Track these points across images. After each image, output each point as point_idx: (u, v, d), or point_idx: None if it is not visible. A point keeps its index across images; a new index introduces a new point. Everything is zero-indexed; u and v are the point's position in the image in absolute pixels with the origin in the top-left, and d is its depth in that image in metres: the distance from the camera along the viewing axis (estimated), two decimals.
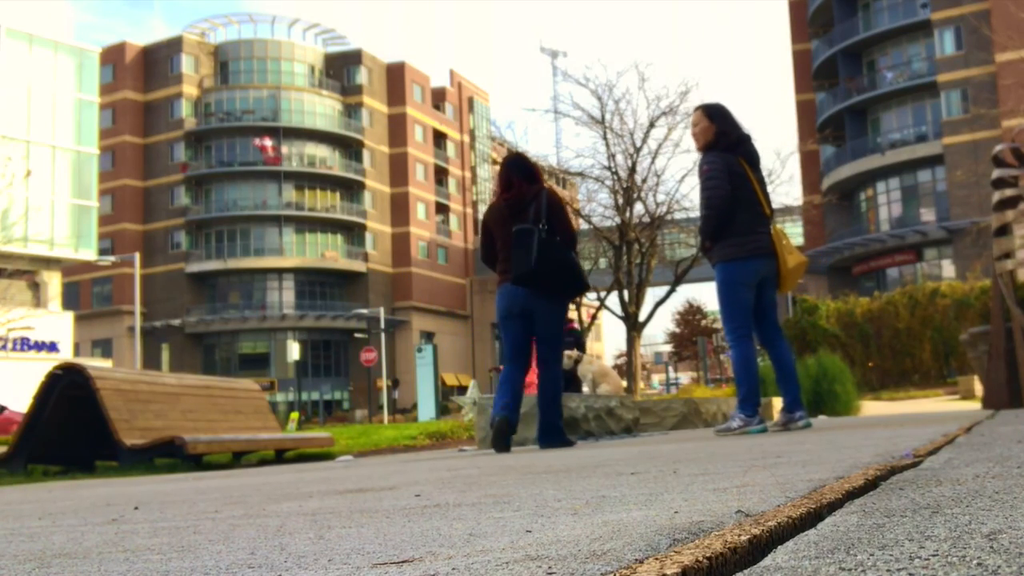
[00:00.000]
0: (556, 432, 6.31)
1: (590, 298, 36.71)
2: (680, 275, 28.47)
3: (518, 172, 6.27)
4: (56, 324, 39.62)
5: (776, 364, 5.95)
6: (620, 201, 28.21)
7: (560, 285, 6.12)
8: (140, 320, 40.10)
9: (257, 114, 67.53)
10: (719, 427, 6.09)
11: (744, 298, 5.81)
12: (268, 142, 66.38)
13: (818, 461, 2.77)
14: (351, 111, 70.07)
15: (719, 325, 62.53)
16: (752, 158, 5.96)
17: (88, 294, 63.41)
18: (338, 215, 67.97)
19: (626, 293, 28.20)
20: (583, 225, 31.69)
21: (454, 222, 77.28)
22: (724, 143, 5.89)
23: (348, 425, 25.99)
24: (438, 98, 76.95)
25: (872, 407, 21.84)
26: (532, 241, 5.91)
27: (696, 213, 29.94)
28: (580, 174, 30.37)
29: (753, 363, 5.84)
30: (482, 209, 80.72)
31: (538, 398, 6.38)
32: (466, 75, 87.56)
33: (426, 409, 28.10)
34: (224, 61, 69.39)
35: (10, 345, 36.84)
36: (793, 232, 62.87)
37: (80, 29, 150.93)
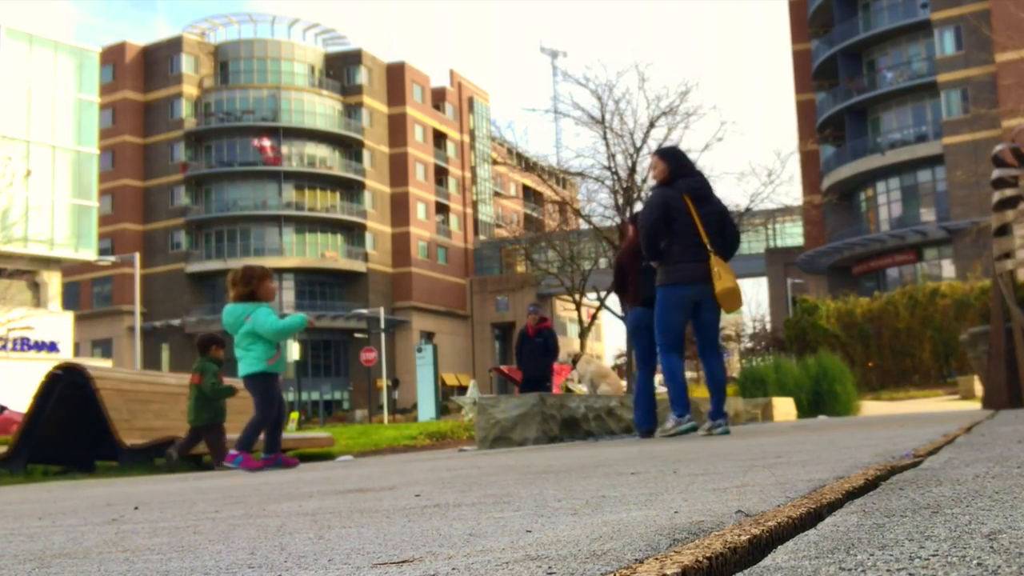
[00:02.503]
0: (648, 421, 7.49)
1: (590, 298, 36.69)
2: None
3: None
4: (56, 324, 39.62)
5: (707, 376, 6.90)
6: (620, 201, 28.20)
7: None
8: (140, 320, 40.09)
9: (257, 114, 67.51)
10: (659, 431, 6.92)
11: (672, 319, 6.63)
12: (267, 142, 66.35)
13: (818, 461, 2.78)
14: (351, 111, 70.05)
15: (718, 326, 62.51)
16: (697, 193, 6.63)
17: (88, 294, 63.39)
18: (338, 215, 67.95)
19: None
20: (583, 225, 31.72)
21: (454, 222, 77.25)
22: (667, 180, 6.70)
23: (348, 425, 25.99)
24: (438, 98, 76.92)
25: (872, 407, 21.85)
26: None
27: None
28: (580, 174, 30.37)
29: (679, 372, 6.70)
30: (482, 209, 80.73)
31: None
32: (466, 75, 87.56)
33: (426, 409, 28.05)
34: (224, 61, 69.37)
35: (10, 345, 36.83)
36: (793, 232, 62.92)
37: (86, 31, 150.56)
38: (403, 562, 1.33)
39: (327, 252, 68.01)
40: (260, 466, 7.29)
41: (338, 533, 1.81)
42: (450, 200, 76.56)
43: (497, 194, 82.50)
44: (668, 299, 6.60)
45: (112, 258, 44.95)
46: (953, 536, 1.18)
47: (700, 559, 1.10)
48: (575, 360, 13.40)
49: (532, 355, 13.16)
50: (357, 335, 63.06)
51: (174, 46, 67.04)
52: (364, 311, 56.73)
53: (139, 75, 66.62)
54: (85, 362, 14.29)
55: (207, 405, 8.92)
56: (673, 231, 6.50)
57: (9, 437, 11.18)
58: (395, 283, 70.21)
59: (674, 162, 6.79)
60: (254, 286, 7.05)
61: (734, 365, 67.74)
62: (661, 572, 1.05)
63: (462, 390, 40.36)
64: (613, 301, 29.96)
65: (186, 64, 66.85)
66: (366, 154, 69.99)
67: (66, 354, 38.80)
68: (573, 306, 35.15)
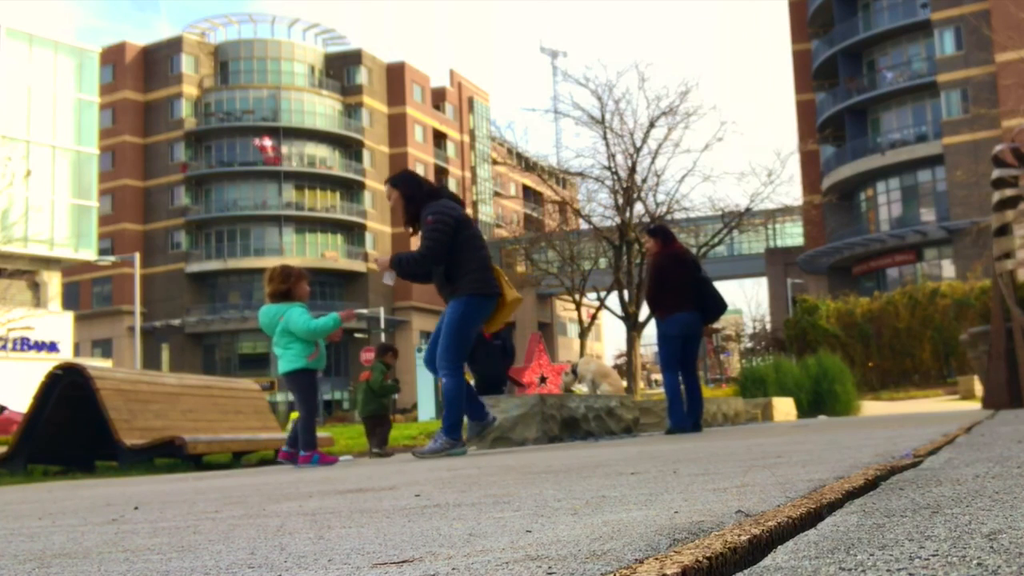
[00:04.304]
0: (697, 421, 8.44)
1: (590, 298, 36.70)
2: None
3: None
4: (56, 324, 39.61)
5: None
6: (620, 201, 28.19)
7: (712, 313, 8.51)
8: (140, 320, 40.08)
9: (257, 114, 67.50)
10: (420, 449, 6.53)
11: (471, 335, 6.30)
12: (268, 142, 66.36)
13: (818, 461, 2.78)
14: (351, 111, 70.04)
15: (718, 325, 62.40)
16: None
17: (88, 294, 63.37)
18: (338, 215, 67.94)
19: (626, 293, 28.17)
20: (583, 225, 31.72)
21: None
22: (419, 200, 6.32)
23: (348, 425, 25.98)
24: (438, 98, 76.91)
25: (872, 407, 21.85)
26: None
27: (696, 213, 30.00)
28: (580, 174, 30.36)
29: (463, 393, 6.24)
30: (483, 209, 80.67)
31: (688, 394, 8.46)
32: (466, 75, 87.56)
33: (426, 409, 28.08)
34: (224, 61, 69.36)
35: (10, 345, 36.83)
36: (793, 232, 62.89)
37: (90, 33, 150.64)
38: (403, 562, 1.33)
39: (327, 252, 67.99)
40: (335, 460, 7.63)
41: (338, 533, 1.81)
42: None
43: (497, 194, 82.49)
44: (477, 311, 6.24)
45: (112, 258, 44.97)
46: (953, 536, 1.19)
47: (700, 559, 1.10)
48: (574, 368, 13.41)
49: (490, 357, 13.11)
50: (357, 335, 63.04)
51: (174, 46, 67.03)
52: (364, 311, 56.72)
53: (139, 75, 66.61)
54: (85, 362, 14.29)
55: (374, 399, 10.13)
56: (469, 237, 6.29)
57: (9, 437, 11.18)
58: (395, 283, 70.17)
59: (407, 186, 6.42)
60: (290, 284, 7.22)
61: (734, 365, 67.67)
62: (661, 572, 1.05)
63: None
64: (613, 301, 29.93)
65: (186, 64, 66.83)
66: (366, 154, 69.97)
67: (66, 354, 38.79)
68: (573, 306, 35.14)
